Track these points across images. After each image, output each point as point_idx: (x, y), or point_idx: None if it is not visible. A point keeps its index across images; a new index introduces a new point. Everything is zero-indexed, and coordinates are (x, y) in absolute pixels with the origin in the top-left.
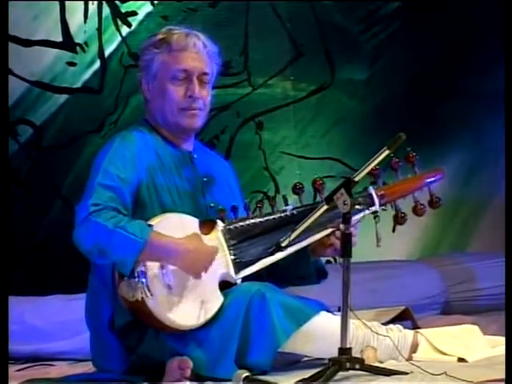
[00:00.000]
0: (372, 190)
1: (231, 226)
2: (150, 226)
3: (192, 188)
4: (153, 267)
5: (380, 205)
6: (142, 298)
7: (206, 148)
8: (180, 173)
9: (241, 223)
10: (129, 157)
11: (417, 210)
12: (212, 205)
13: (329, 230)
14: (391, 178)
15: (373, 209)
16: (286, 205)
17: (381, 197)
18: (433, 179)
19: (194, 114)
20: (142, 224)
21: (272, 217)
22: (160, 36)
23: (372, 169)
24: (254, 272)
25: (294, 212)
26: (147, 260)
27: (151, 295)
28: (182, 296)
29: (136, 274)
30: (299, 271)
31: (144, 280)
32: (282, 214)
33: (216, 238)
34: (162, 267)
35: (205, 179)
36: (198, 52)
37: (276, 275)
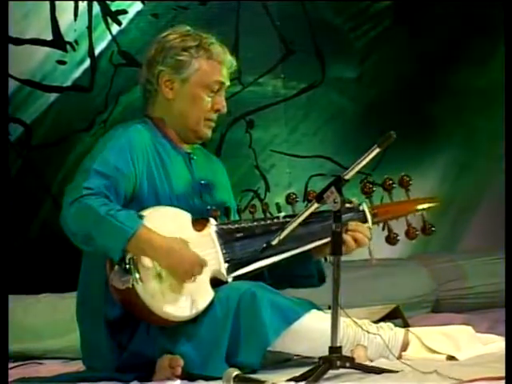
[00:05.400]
0: (365, 207)
1: (224, 226)
2: (140, 217)
3: (189, 190)
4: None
5: (372, 223)
6: (133, 285)
7: (203, 149)
8: (179, 173)
9: (235, 225)
10: (129, 150)
11: (409, 234)
12: (208, 207)
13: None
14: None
15: (365, 226)
16: (279, 211)
17: (373, 215)
18: (427, 206)
19: (212, 126)
20: (132, 214)
21: (265, 222)
22: (195, 41)
23: (366, 187)
24: (249, 272)
25: (287, 220)
26: (132, 252)
27: (141, 281)
28: (172, 286)
29: (126, 262)
30: (301, 270)
31: (134, 268)
32: (275, 221)
33: (208, 234)
34: None
35: (202, 182)
36: (229, 68)
37: (276, 274)
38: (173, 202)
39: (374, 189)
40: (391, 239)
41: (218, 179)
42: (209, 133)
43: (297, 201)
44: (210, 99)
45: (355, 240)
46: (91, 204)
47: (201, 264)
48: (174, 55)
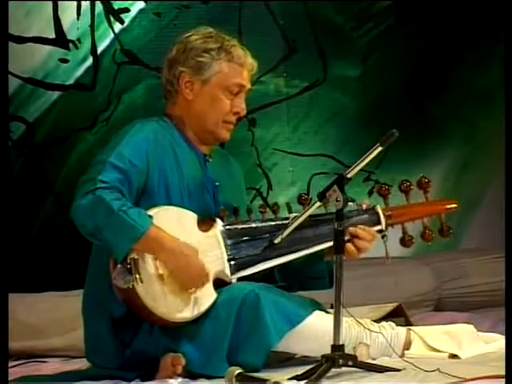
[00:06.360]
0: (379, 209)
1: (231, 227)
2: (150, 217)
3: (203, 191)
4: (146, 256)
5: (386, 225)
6: (133, 285)
7: (221, 150)
8: (193, 174)
9: (242, 225)
10: (144, 145)
11: (425, 236)
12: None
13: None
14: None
15: (378, 227)
16: (290, 212)
17: (388, 217)
18: (445, 208)
19: (230, 128)
20: (143, 213)
21: (274, 223)
22: (217, 43)
23: (382, 189)
24: (254, 273)
25: None
26: (141, 250)
27: (142, 282)
28: (174, 288)
29: (128, 261)
30: (312, 272)
31: (135, 268)
32: (284, 222)
33: (214, 235)
34: (155, 257)
35: (217, 183)
36: (250, 71)
37: (287, 276)
38: (184, 201)
39: (391, 191)
40: (406, 241)
41: (232, 181)
42: (227, 135)
43: (309, 202)
44: (229, 101)
45: (358, 248)
46: (105, 197)
47: (205, 277)
48: (195, 56)
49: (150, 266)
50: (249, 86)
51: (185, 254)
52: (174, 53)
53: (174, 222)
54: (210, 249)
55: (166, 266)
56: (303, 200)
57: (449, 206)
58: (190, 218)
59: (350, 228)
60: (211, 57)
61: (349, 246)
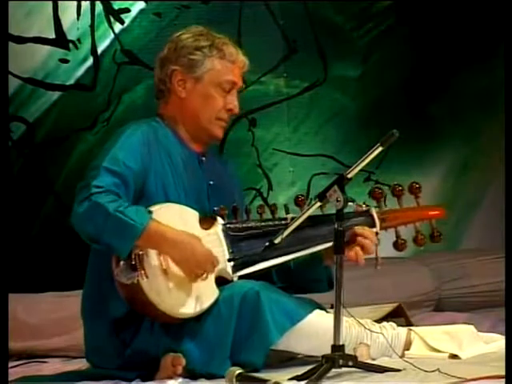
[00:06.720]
0: (374, 212)
1: (231, 225)
2: (149, 212)
3: (198, 190)
4: (150, 251)
5: (380, 228)
6: (138, 280)
7: (214, 150)
8: (188, 173)
9: (242, 224)
10: (139, 147)
11: (417, 240)
12: (216, 208)
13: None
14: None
15: (373, 230)
16: (287, 213)
17: (382, 220)
18: (435, 214)
19: (224, 126)
20: (141, 210)
21: (272, 223)
22: (208, 41)
23: (375, 192)
24: (255, 272)
25: None
26: (144, 246)
27: (147, 277)
28: (177, 283)
29: (133, 257)
30: (311, 274)
31: (139, 263)
32: (282, 222)
33: (215, 233)
34: (159, 252)
35: (211, 182)
36: (242, 68)
37: (285, 277)
38: (181, 200)
39: (385, 194)
40: (399, 245)
41: (227, 181)
42: (220, 132)
43: (305, 203)
44: (222, 99)
45: (363, 247)
46: (100, 201)
47: (213, 261)
48: (187, 54)
49: (154, 261)
50: (241, 83)
51: (189, 243)
52: (166, 52)
53: (176, 218)
54: (212, 246)
55: (172, 258)
56: (300, 201)
57: (435, 213)
58: (192, 215)
59: (356, 227)
60: (203, 54)
61: (354, 247)
